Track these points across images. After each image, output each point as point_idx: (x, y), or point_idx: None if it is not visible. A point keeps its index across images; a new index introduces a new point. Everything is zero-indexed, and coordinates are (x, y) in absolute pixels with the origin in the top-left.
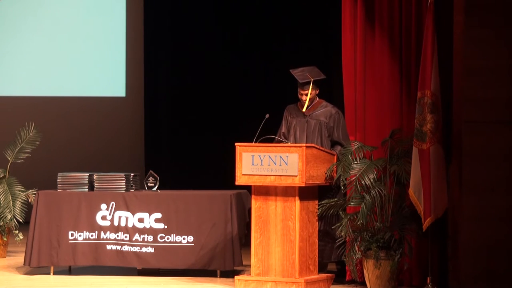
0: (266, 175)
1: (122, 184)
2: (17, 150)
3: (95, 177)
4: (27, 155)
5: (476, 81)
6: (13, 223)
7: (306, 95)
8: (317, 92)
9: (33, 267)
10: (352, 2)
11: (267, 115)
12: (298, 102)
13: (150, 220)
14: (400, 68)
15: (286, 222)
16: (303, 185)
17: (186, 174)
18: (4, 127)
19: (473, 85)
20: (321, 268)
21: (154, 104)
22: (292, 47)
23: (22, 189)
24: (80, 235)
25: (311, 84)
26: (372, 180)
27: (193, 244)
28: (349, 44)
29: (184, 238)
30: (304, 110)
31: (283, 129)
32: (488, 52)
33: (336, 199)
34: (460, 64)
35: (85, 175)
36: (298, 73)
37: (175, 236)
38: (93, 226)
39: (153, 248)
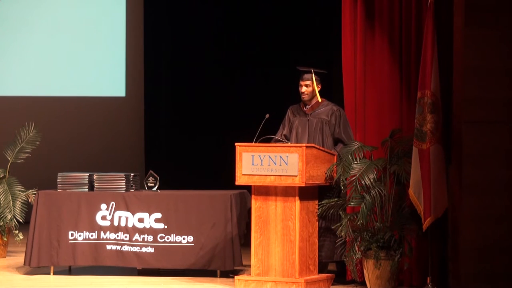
0: (266, 175)
1: (122, 184)
2: (17, 150)
3: (95, 177)
4: (27, 155)
5: (475, 81)
6: (13, 223)
7: (307, 86)
8: (319, 89)
9: (33, 267)
10: (352, 2)
11: (267, 115)
12: (301, 102)
13: (150, 220)
14: (400, 68)
15: (286, 222)
16: (303, 185)
17: (186, 174)
18: (4, 127)
19: (473, 85)
20: (321, 268)
21: (154, 104)
22: (292, 47)
23: (22, 189)
24: (80, 235)
25: (312, 76)
26: (372, 180)
27: (193, 244)
28: (349, 44)
29: (184, 238)
30: (319, 99)
31: (285, 130)
32: (488, 52)
33: (336, 199)
34: (460, 64)
35: (85, 175)
36: (302, 67)
37: (175, 236)
38: (93, 226)
39: (153, 248)
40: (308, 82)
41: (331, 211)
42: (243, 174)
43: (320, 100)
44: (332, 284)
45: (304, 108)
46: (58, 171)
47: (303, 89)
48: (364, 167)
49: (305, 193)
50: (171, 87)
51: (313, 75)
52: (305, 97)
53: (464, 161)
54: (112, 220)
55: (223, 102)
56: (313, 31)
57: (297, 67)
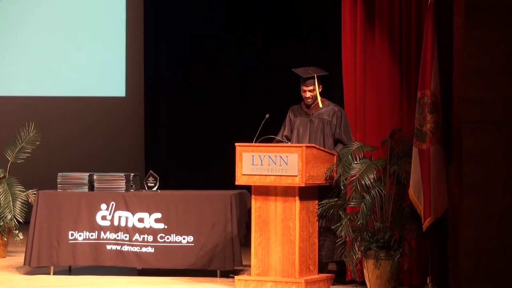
0: (266, 175)
1: (122, 184)
2: (17, 150)
3: (95, 177)
4: (27, 155)
5: (476, 81)
6: (13, 223)
7: (310, 91)
8: (320, 90)
9: (33, 267)
10: (352, 2)
11: (267, 115)
12: (302, 102)
13: (150, 220)
14: (400, 68)
15: (286, 222)
16: (303, 185)
17: (186, 174)
18: (4, 127)
19: (473, 85)
20: (321, 268)
21: (154, 104)
22: (293, 47)
23: (22, 189)
24: (80, 235)
25: (315, 80)
26: (372, 180)
27: (193, 244)
28: (349, 44)
29: (184, 238)
30: (320, 105)
31: (286, 131)
32: (487, 52)
33: (336, 199)
34: (459, 64)
35: (85, 175)
36: (300, 70)
37: (175, 236)
38: (93, 226)
39: (153, 248)
40: (311, 88)
41: (331, 211)
42: (243, 174)
43: (321, 105)
44: (332, 284)
45: (306, 109)
46: (58, 171)
47: (307, 94)
48: (364, 167)
49: (305, 193)
50: (171, 87)
51: (316, 79)
52: (309, 101)
53: (464, 161)
54: (112, 220)
55: (223, 102)
56: (313, 31)
57: (300, 74)
